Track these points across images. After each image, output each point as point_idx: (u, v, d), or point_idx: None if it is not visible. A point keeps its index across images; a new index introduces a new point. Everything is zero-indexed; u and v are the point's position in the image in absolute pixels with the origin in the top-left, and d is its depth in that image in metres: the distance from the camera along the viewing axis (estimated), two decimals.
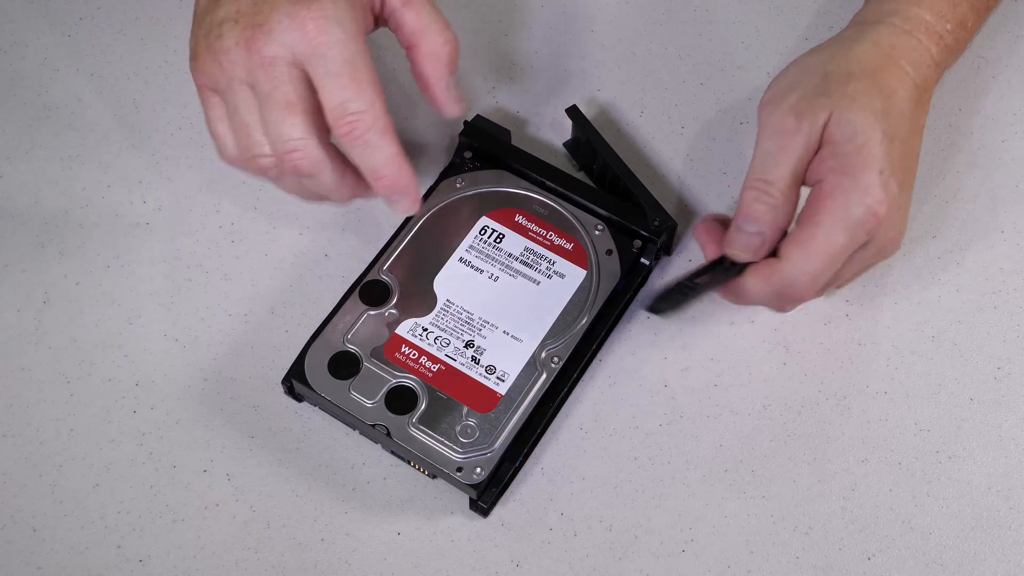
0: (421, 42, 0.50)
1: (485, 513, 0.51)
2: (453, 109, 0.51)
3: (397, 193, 0.49)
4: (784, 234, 0.50)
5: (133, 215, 0.59)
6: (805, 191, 0.50)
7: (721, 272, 0.51)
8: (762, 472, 0.53)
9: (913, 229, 0.59)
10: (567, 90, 0.63)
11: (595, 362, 0.56)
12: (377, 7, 0.50)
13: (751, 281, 0.50)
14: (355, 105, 0.47)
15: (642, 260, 0.55)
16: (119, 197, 0.59)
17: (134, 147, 0.61)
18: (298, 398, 0.54)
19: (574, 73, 0.64)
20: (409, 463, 0.52)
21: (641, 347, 0.56)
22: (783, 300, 0.51)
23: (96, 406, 0.54)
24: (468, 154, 0.58)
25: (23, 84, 0.63)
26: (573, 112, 0.59)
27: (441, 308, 0.54)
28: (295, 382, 0.52)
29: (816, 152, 0.49)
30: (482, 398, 0.51)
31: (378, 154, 0.48)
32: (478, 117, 0.59)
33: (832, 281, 0.51)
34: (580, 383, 0.55)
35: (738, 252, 0.50)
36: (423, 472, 0.52)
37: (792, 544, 0.52)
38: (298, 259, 0.58)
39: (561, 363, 0.53)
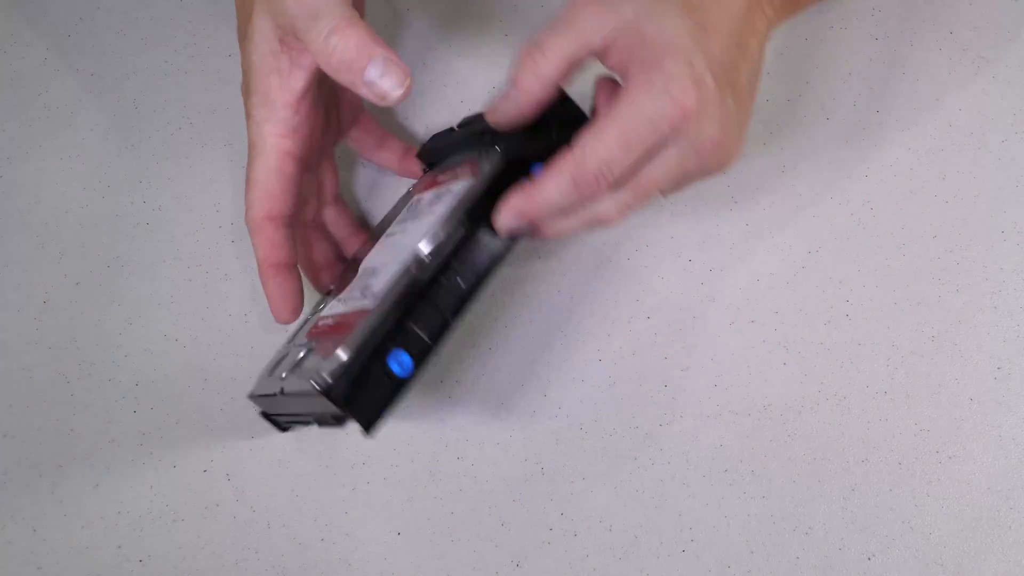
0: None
1: (344, 414, 0.45)
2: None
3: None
4: (541, 107, 0.48)
5: (133, 215, 0.59)
6: None
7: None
8: (762, 472, 0.53)
9: (913, 229, 0.59)
10: (566, 90, 0.63)
11: (595, 362, 0.56)
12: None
13: (544, 176, 0.47)
14: (245, 200, 0.50)
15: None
16: (119, 197, 0.60)
17: (134, 147, 0.61)
18: (276, 423, 0.52)
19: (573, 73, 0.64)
20: (310, 423, 0.49)
21: (641, 347, 0.56)
22: (579, 193, 0.47)
23: (96, 406, 0.54)
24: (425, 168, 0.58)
25: (23, 84, 0.63)
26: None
27: (358, 276, 0.52)
28: (252, 398, 0.51)
29: (615, 42, 0.47)
30: (354, 322, 0.47)
31: (255, 251, 0.51)
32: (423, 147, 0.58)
33: (641, 185, 0.47)
34: (579, 382, 0.55)
35: (490, 112, 0.48)
36: (315, 423, 0.49)
37: (792, 544, 0.52)
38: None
39: (435, 241, 0.47)
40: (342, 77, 0.46)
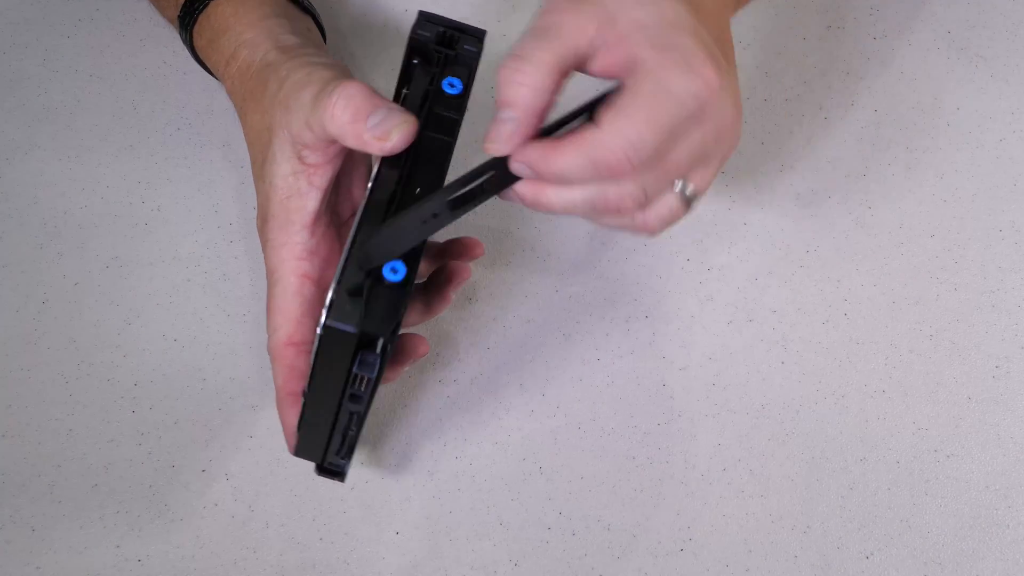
0: None
1: (360, 334, 0.42)
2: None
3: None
4: (540, 121, 0.44)
5: (132, 216, 0.59)
6: None
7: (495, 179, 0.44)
8: (760, 471, 0.53)
9: (911, 228, 0.59)
10: (567, 90, 0.63)
11: (594, 361, 0.56)
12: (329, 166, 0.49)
13: (565, 146, 0.43)
14: (267, 327, 0.49)
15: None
16: (118, 198, 0.60)
17: (132, 148, 0.61)
18: (334, 470, 0.50)
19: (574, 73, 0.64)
20: (354, 428, 0.48)
21: (639, 346, 0.56)
22: (596, 173, 0.43)
23: (95, 406, 0.54)
24: None
25: (22, 85, 0.63)
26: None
27: None
28: (298, 454, 0.49)
29: (604, 40, 0.44)
30: None
31: (274, 378, 0.49)
32: None
33: (665, 169, 0.44)
34: (577, 381, 0.55)
35: (489, 143, 0.44)
36: (355, 413, 0.46)
37: (790, 543, 0.52)
38: None
39: (379, 162, 0.46)
40: (348, 130, 0.45)
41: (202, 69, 0.59)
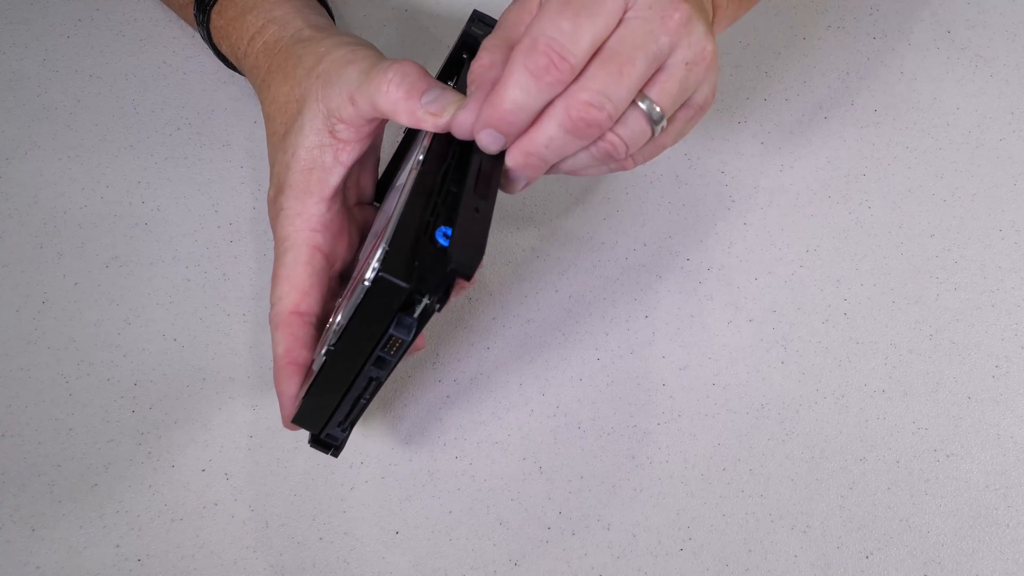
0: None
1: (410, 288, 0.41)
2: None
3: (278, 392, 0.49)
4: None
5: (132, 215, 0.59)
6: None
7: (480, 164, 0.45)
8: (760, 471, 0.53)
9: (911, 227, 0.59)
10: None
11: (593, 361, 0.56)
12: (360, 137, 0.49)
13: (503, 80, 0.43)
14: (271, 296, 0.49)
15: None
16: (118, 197, 0.60)
17: (132, 147, 0.61)
18: (330, 442, 0.49)
19: None
20: (365, 398, 0.46)
21: (639, 346, 0.56)
22: (539, 82, 0.42)
23: (95, 406, 0.54)
24: None
25: (22, 84, 0.63)
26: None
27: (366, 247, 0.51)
28: (297, 420, 0.48)
29: None
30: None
31: (274, 347, 0.49)
32: None
33: (610, 61, 0.43)
34: (577, 381, 0.55)
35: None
36: (372, 384, 0.45)
37: (790, 543, 0.52)
38: None
39: (428, 139, 0.47)
40: (402, 105, 0.46)
41: (203, 67, 0.59)
